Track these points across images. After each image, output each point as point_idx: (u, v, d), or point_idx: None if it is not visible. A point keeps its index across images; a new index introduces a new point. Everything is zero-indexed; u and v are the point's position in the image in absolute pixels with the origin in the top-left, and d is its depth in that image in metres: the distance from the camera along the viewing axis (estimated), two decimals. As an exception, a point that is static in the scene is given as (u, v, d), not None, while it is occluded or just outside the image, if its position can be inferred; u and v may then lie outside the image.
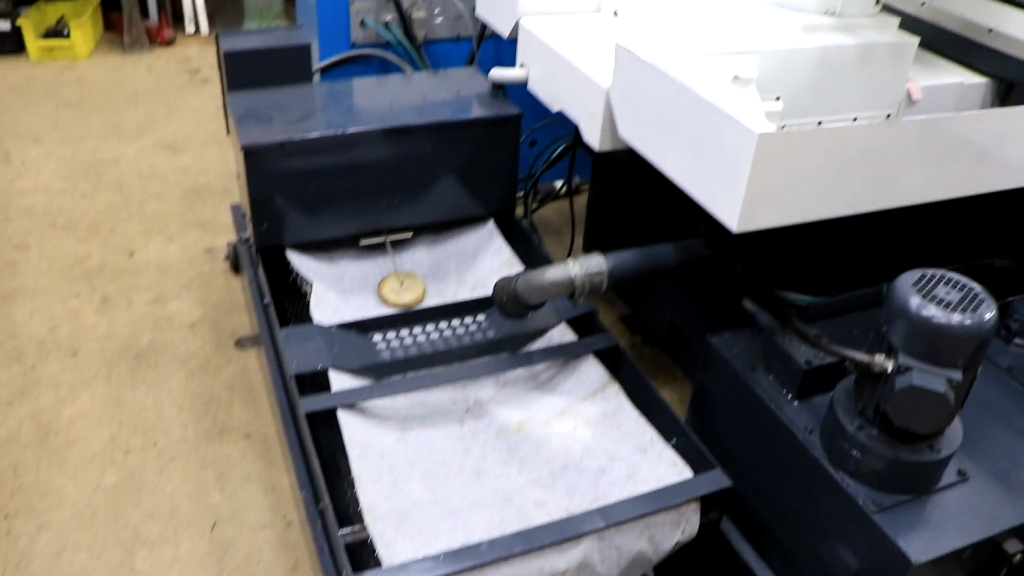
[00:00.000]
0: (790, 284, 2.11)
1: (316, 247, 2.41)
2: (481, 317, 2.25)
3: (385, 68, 3.02)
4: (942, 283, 1.60)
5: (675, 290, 2.55)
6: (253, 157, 2.21)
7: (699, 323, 2.42)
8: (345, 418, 1.86)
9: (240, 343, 2.82)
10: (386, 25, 2.95)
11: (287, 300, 2.44)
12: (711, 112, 1.60)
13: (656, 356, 2.83)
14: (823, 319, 2.10)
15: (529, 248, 2.44)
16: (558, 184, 3.38)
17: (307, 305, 2.22)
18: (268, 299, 2.25)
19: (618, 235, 2.78)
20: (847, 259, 2.17)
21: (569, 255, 3.12)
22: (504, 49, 3.01)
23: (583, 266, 1.87)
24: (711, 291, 2.36)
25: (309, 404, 1.87)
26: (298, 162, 2.24)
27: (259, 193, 2.27)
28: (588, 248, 2.94)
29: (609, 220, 2.82)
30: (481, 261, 2.44)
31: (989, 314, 1.55)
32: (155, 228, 3.44)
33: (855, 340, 1.88)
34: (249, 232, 2.41)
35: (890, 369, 1.58)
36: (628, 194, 2.70)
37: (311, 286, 2.26)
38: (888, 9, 2.44)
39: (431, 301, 2.36)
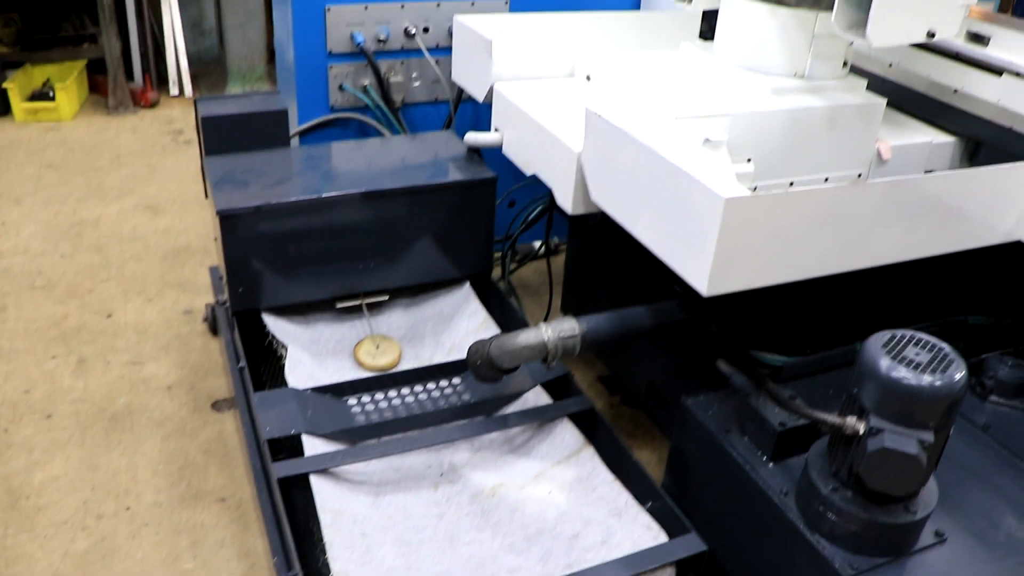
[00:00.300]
0: (766, 344, 2.12)
1: (292, 310, 2.41)
2: (457, 380, 2.24)
3: (364, 132, 3.05)
4: (911, 344, 1.61)
5: (653, 351, 2.55)
6: (229, 221, 2.21)
7: (676, 384, 2.42)
8: (318, 483, 1.85)
9: (217, 406, 2.80)
10: (364, 89, 2.99)
11: (263, 363, 2.43)
12: (679, 176, 1.61)
13: (635, 417, 2.83)
14: (799, 379, 2.10)
15: (505, 310, 2.45)
16: (537, 244, 3.40)
17: (283, 368, 2.21)
18: (243, 362, 2.24)
19: (596, 296, 2.79)
20: (823, 318, 2.17)
21: (547, 316, 3.13)
22: (482, 112, 3.04)
23: (556, 330, 1.88)
24: (688, 352, 2.36)
25: (281, 469, 1.85)
26: (274, 226, 2.25)
27: (235, 257, 2.27)
28: (566, 309, 2.94)
29: (587, 281, 2.84)
30: (457, 324, 2.44)
31: (959, 374, 1.55)
32: (134, 289, 3.43)
33: (831, 400, 1.88)
34: (226, 295, 2.41)
35: (862, 431, 1.58)
36: (604, 255, 2.72)
37: (286, 349, 2.25)
38: (856, 71, 2.49)
39: (407, 364, 2.36)
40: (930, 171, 2.40)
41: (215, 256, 3.60)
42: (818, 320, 2.17)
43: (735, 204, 1.52)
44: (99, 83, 5.54)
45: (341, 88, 2.99)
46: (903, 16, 1.92)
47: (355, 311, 2.47)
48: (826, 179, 2.23)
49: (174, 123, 5.22)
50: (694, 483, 2.02)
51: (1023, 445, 2.06)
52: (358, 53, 2.94)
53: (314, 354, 2.34)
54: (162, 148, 4.83)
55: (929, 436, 1.54)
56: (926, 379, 1.53)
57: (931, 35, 1.98)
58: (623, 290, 2.55)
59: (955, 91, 2.39)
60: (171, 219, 4.00)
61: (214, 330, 3.09)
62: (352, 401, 2.16)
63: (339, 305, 2.44)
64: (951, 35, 2.03)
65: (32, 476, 2.51)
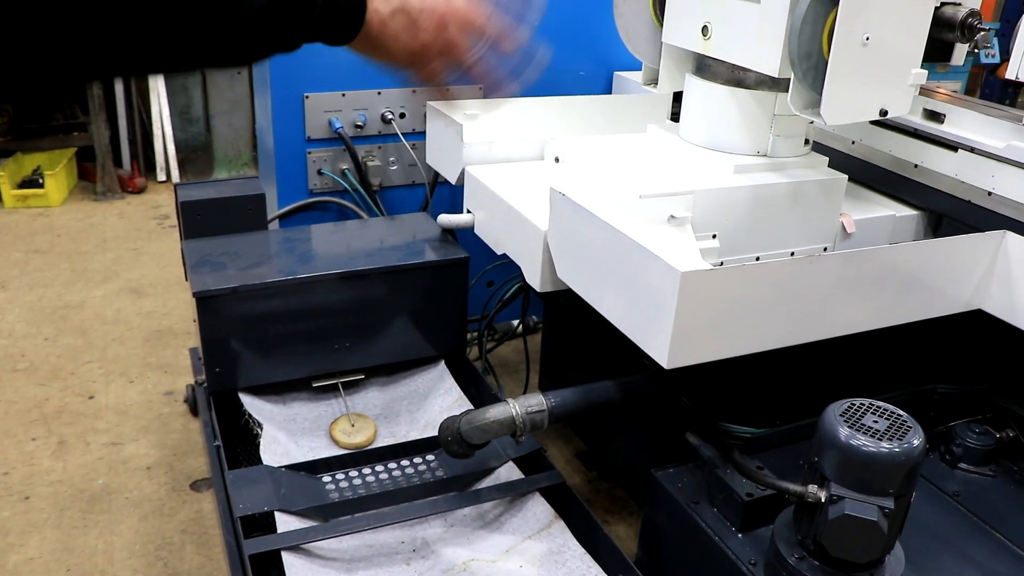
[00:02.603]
0: (736, 416, 2.14)
1: (269, 389, 2.43)
2: (431, 457, 2.26)
3: (343, 215, 3.11)
4: (869, 412, 1.65)
5: (627, 425, 2.57)
6: (206, 302, 2.25)
7: (650, 457, 2.44)
8: (290, 560, 1.85)
9: (196, 486, 2.81)
10: (343, 173, 3.06)
11: (240, 442, 2.45)
12: (637, 252, 1.66)
13: (612, 491, 2.83)
14: (769, 450, 2.13)
15: (480, 388, 2.48)
16: (515, 323, 3.44)
17: (259, 447, 2.23)
18: (218, 441, 2.25)
19: (572, 372, 2.82)
20: (793, 388, 2.21)
21: (525, 393, 3.16)
22: (458, 194, 3.12)
23: (523, 405, 1.91)
24: (660, 425, 2.39)
25: (252, 546, 1.86)
26: (251, 307, 2.29)
27: (212, 337, 2.31)
28: (544, 386, 2.97)
29: (563, 357, 2.87)
30: (432, 402, 2.47)
31: (917, 440, 1.59)
32: (116, 371, 3.45)
33: (799, 470, 1.90)
34: (204, 375, 2.43)
35: (823, 499, 1.60)
36: (578, 332, 2.76)
37: (262, 428, 2.27)
38: (820, 148, 2.58)
39: (382, 442, 2.38)
40: (895, 243, 2.47)
41: (196, 338, 3.63)
42: (788, 391, 2.21)
43: (691, 278, 1.57)
44: (88, 170, 5.64)
45: (320, 172, 3.06)
46: (855, 96, 2.00)
47: (331, 390, 2.50)
48: (792, 253, 2.29)
49: (161, 208, 5.29)
50: (666, 555, 2.03)
51: (992, 512, 2.08)
52: (336, 139, 3.02)
53: (290, 432, 2.36)
54: (148, 233, 4.90)
55: (889, 502, 1.57)
56: (884, 446, 1.56)
57: (884, 113, 2.06)
58: (597, 365, 2.58)
59: (915, 166, 2.46)
60: (154, 302, 4.04)
61: (194, 411, 3.11)
62: (327, 478, 2.18)
63: (315, 384, 2.47)
64: (903, 113, 2.11)
65: (7, 559, 2.49)
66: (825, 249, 2.33)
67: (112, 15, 0.93)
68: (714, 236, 2.14)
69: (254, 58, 1.17)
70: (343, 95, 3.01)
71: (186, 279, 2.47)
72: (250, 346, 2.35)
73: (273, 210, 3.04)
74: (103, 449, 2.98)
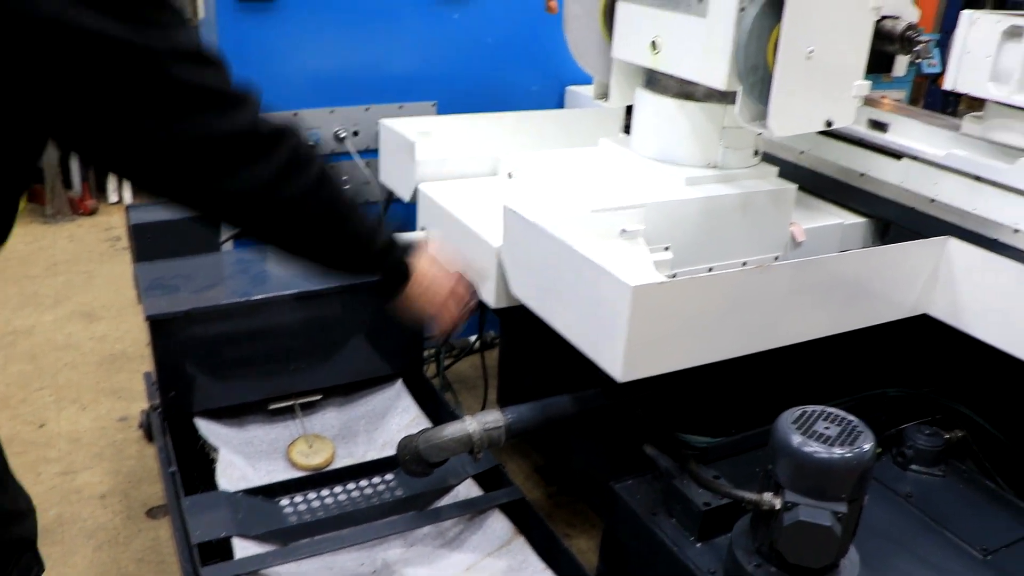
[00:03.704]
0: (692, 426, 2.16)
1: (225, 413, 2.41)
2: (390, 476, 2.26)
3: (297, 233, 3.10)
4: (821, 419, 1.67)
5: (585, 438, 2.58)
6: (159, 326, 2.23)
7: (609, 469, 2.45)
8: (248, 587, 1.83)
9: (152, 513, 2.77)
10: (296, 192, 3.04)
11: (197, 467, 2.42)
12: (589, 267, 1.68)
13: (573, 505, 2.84)
14: (725, 459, 2.15)
15: (438, 406, 2.48)
16: (472, 339, 3.44)
17: (215, 472, 2.21)
18: (174, 467, 2.23)
19: (530, 386, 2.81)
20: (748, 397, 2.23)
21: (483, 409, 3.16)
22: (413, 211, 3.12)
23: (480, 422, 1.91)
24: (617, 437, 2.40)
25: (210, 574, 1.84)
26: (204, 330, 2.27)
27: (166, 361, 2.29)
28: (503, 401, 2.98)
29: (520, 372, 2.88)
30: (390, 421, 2.46)
31: (868, 445, 1.62)
32: (68, 398, 3.40)
33: (756, 478, 1.92)
34: (159, 400, 2.41)
35: (778, 506, 1.62)
36: (534, 346, 2.76)
37: (217, 452, 2.25)
38: (769, 159, 2.61)
39: (341, 462, 2.36)
40: (844, 251, 2.51)
41: (151, 362, 3.58)
42: (744, 399, 2.23)
43: (643, 291, 1.59)
44: (37, 192, 5.54)
45: (273, 191, 3.04)
46: (801, 108, 2.04)
47: (288, 411, 2.48)
48: (744, 263, 2.32)
49: (113, 230, 5.23)
50: (627, 567, 2.04)
51: (945, 512, 2.12)
52: (289, 157, 3.00)
53: (247, 456, 2.34)
54: (99, 255, 4.83)
55: (843, 507, 1.59)
56: (836, 452, 1.59)
57: (829, 124, 2.11)
58: (555, 379, 2.59)
59: (861, 175, 2.51)
60: (107, 326, 3.99)
61: (150, 436, 3.06)
62: (285, 502, 2.16)
63: (272, 407, 2.45)
64: (848, 124, 2.16)
65: (-43, 596, 2.44)
66: (776, 258, 2.37)
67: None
68: (667, 248, 2.16)
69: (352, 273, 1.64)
70: (295, 114, 3.00)
71: (139, 302, 2.44)
72: (205, 369, 2.32)
73: (226, 232, 3.02)
74: (55, 479, 2.93)
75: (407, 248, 1.62)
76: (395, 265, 1.60)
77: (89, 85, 1.05)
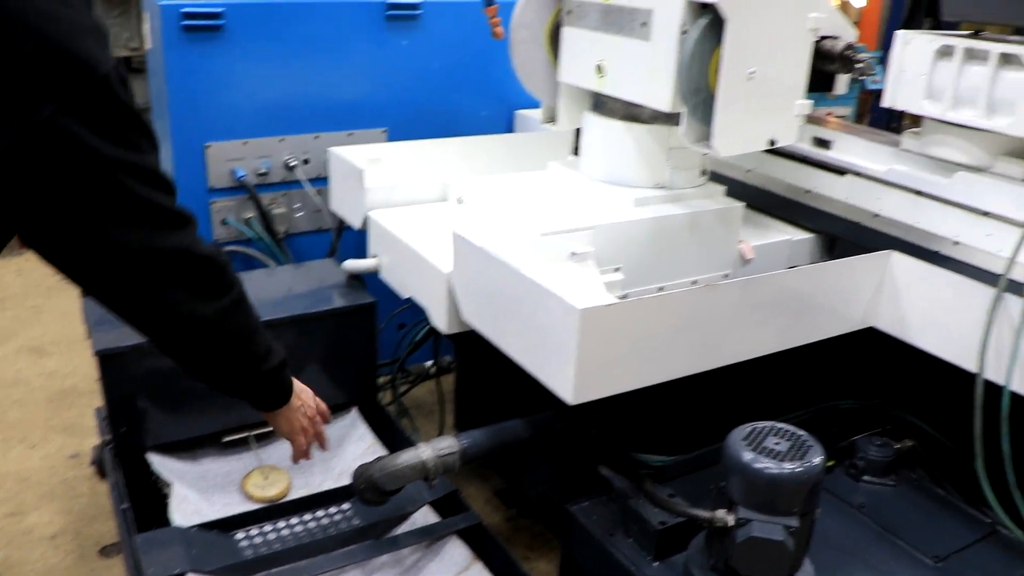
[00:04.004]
0: (648, 444, 2.18)
1: (178, 447, 2.38)
2: (346, 506, 2.24)
3: (249, 264, 3.08)
4: (771, 434, 1.69)
5: (542, 460, 2.58)
6: (108, 360, 2.20)
7: (566, 491, 2.45)
8: (204, 623, 1.81)
9: (105, 551, 2.72)
10: (247, 222, 3.03)
11: (151, 503, 2.38)
12: (537, 291, 1.69)
13: (533, 527, 2.84)
14: (681, 477, 2.16)
15: (394, 433, 2.47)
16: (428, 364, 3.44)
17: (168, 507, 2.17)
18: (126, 504, 2.19)
19: (486, 410, 2.81)
20: (702, 414, 2.25)
21: (440, 434, 3.15)
22: (365, 238, 3.12)
23: (434, 448, 1.91)
24: (573, 459, 2.41)
25: (164, 612, 1.81)
26: (155, 363, 2.24)
27: (116, 396, 2.25)
28: (459, 425, 2.97)
29: (476, 396, 2.87)
30: (345, 449, 2.45)
31: (817, 459, 1.64)
32: (16, 437, 3.33)
33: (711, 495, 1.94)
34: (110, 435, 2.37)
35: (731, 523, 1.63)
36: (489, 370, 2.77)
37: (171, 487, 2.22)
38: (717, 178, 2.65)
39: (297, 493, 2.34)
40: (793, 267, 2.55)
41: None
42: (698, 416, 2.25)
43: (591, 314, 1.60)
44: (-17, 227, 5.46)
45: (224, 222, 3.03)
46: (744, 128, 2.07)
47: (242, 443, 2.46)
48: (694, 281, 2.34)
49: (62, 263, 5.14)
50: (586, 589, 2.04)
51: (897, 521, 2.15)
52: (239, 187, 2.99)
53: (201, 490, 2.31)
54: (48, 289, 4.75)
55: (794, 521, 1.61)
56: (787, 467, 1.61)
57: (773, 143, 2.14)
58: (510, 402, 2.59)
59: (807, 191, 2.56)
60: (57, 361, 3.92)
61: (102, 473, 3.01)
62: (240, 535, 2.13)
63: (225, 439, 2.43)
64: (791, 142, 2.20)
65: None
66: (726, 276, 2.39)
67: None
68: (617, 269, 2.18)
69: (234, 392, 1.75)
70: (244, 143, 2.99)
71: (88, 337, 2.41)
72: (157, 403, 2.30)
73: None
74: (2, 520, 2.87)
75: (290, 375, 1.78)
76: (280, 386, 1.75)
77: (57, 183, 1.20)
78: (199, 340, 1.51)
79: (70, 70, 1.15)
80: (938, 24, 2.28)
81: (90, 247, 1.29)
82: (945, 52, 2.14)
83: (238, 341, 1.57)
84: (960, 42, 2.10)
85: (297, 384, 1.82)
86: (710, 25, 1.97)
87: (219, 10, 2.82)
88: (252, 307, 1.58)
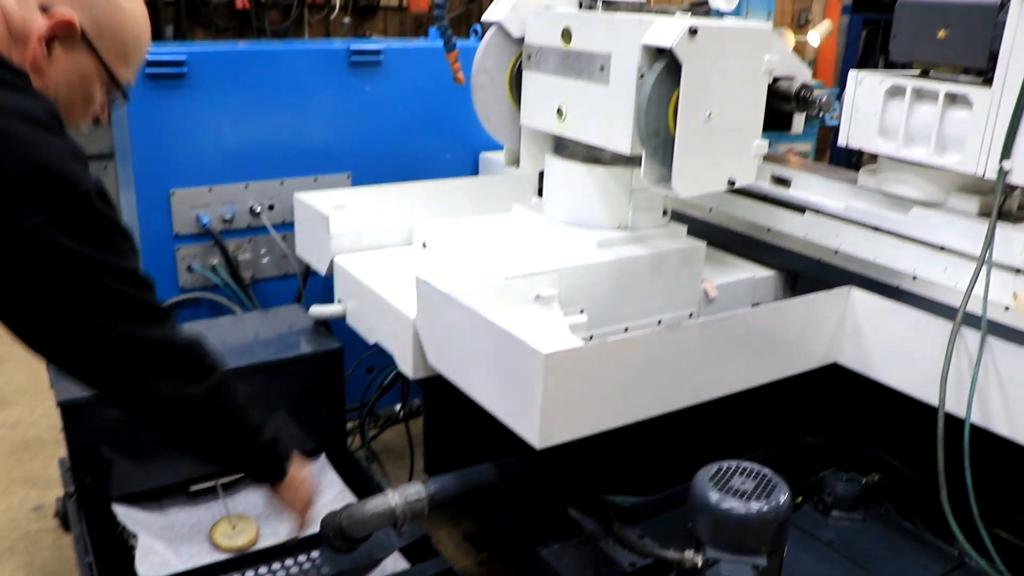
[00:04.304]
0: (618, 485, 2.18)
1: (144, 497, 2.35)
2: (315, 554, 2.22)
3: (215, 310, 3.07)
4: (737, 474, 1.70)
5: (511, 503, 2.58)
6: (72, 411, 2.18)
7: (537, 534, 2.44)
8: None
9: (70, 607, 2.67)
10: (213, 268, 3.02)
11: (116, 556, 2.35)
12: (501, 335, 1.70)
13: (505, 572, 2.82)
14: (651, 517, 2.17)
15: (363, 479, 2.45)
16: (397, 407, 3.43)
17: (134, 560, 2.14)
18: (90, 557, 2.16)
19: (455, 453, 2.80)
20: (671, 454, 2.26)
21: (410, 479, 3.13)
22: (331, 283, 3.12)
23: (402, 495, 1.90)
24: (543, 501, 2.40)
25: (129, 669, 1.78)
26: (119, 413, 2.21)
27: (80, 447, 2.23)
28: (429, 470, 2.96)
29: (445, 439, 2.86)
30: (315, 496, 2.42)
31: (784, 497, 1.65)
32: (-22, 490, 3.27)
33: (681, 534, 1.94)
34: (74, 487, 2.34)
35: (700, 564, 1.64)
36: (457, 413, 2.76)
37: (136, 539, 2.18)
38: (679, 217, 2.68)
39: (265, 542, 2.31)
40: (756, 304, 2.58)
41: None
42: (665, 456, 2.25)
43: (555, 358, 1.61)
44: (-55, 276, 5.39)
45: (190, 269, 3.02)
46: (703, 169, 2.11)
47: (210, 492, 2.43)
48: (659, 321, 2.36)
49: (26, 311, 5.08)
50: (558, 633, 2.03)
51: (866, 555, 2.17)
52: (205, 234, 2.99)
53: (168, 540, 2.27)
54: (10, 339, 4.67)
55: (762, 560, 1.62)
56: (754, 506, 1.62)
57: (732, 183, 2.18)
58: (479, 445, 2.59)
59: (768, 229, 2.59)
60: (20, 411, 3.86)
61: (66, 525, 2.96)
62: (207, 587, 2.10)
63: (192, 488, 2.40)
64: (750, 182, 2.23)
65: None
66: (691, 315, 2.42)
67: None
68: (582, 311, 2.19)
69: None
70: (210, 190, 2.99)
71: (52, 387, 2.38)
72: (122, 453, 2.27)
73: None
74: (-36, 577, 2.82)
75: (287, 450, 1.82)
76: (276, 461, 1.78)
77: (43, 283, 1.31)
78: (187, 421, 1.57)
79: (55, 187, 1.28)
80: (890, 62, 2.34)
81: (75, 338, 1.39)
82: (896, 91, 2.19)
83: (226, 420, 1.62)
84: (910, 82, 2.15)
85: (299, 460, 1.86)
86: (667, 69, 2.01)
87: (182, 58, 2.83)
88: (237, 389, 1.64)
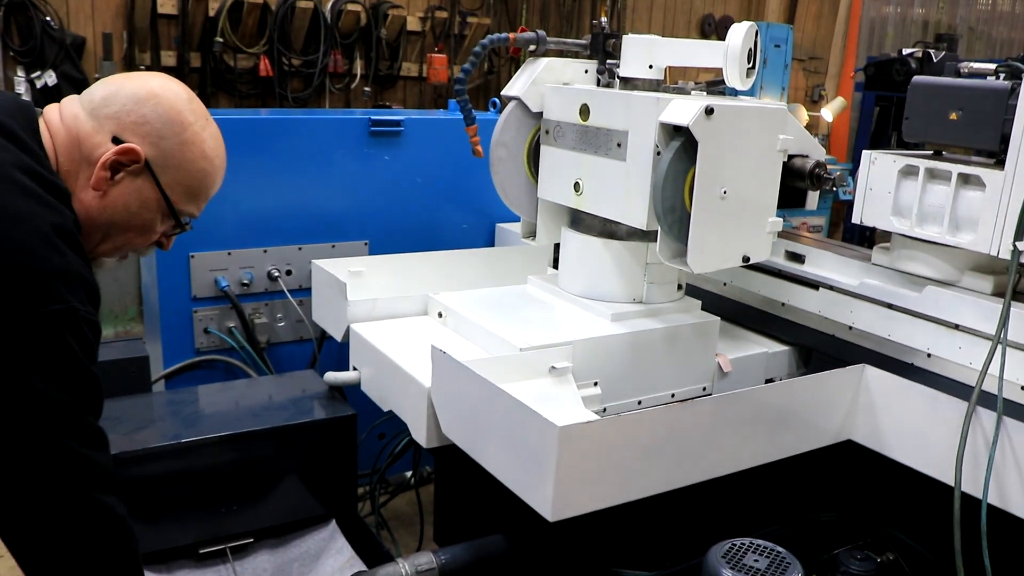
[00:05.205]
0: (629, 559, 2.16)
1: (152, 558, 2.34)
2: (323, 622, 2.20)
3: (230, 372, 3.09)
4: (750, 551, 1.70)
5: (524, 574, 2.56)
6: (84, 473, 2.18)
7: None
8: None
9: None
10: (230, 331, 3.05)
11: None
12: (516, 407, 1.71)
13: (514, 644, 2.78)
14: (662, 592, 2.14)
15: (373, 546, 2.44)
16: (408, 474, 3.42)
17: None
18: (97, 623, 2.14)
19: (467, 522, 2.79)
20: (684, 528, 2.24)
21: (419, 547, 3.11)
22: (346, 349, 3.14)
23: (413, 564, 1.90)
24: (556, 573, 2.38)
25: None
26: (133, 473, 2.22)
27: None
28: (439, 538, 2.94)
29: (457, 508, 2.85)
30: (324, 563, 2.41)
31: (797, 575, 1.64)
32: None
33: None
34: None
35: (712, 643, 1.62)
36: (470, 482, 2.75)
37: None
38: (692, 291, 2.69)
39: (273, 608, 2.30)
40: (770, 379, 2.58)
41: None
42: (679, 530, 2.24)
43: (569, 432, 1.61)
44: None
45: (207, 331, 3.04)
46: (718, 245, 2.13)
47: (219, 555, 2.41)
48: (672, 395, 2.37)
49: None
50: None
51: (880, 637, 2.13)
52: (223, 297, 3.02)
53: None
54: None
55: (775, 641, 1.60)
56: (766, 587, 1.61)
57: (746, 259, 2.20)
58: (491, 515, 2.58)
59: (783, 304, 2.61)
60: None
61: (73, 587, 2.94)
62: (214, 655, 2.09)
63: (201, 551, 2.39)
64: (764, 258, 2.26)
65: None
66: (704, 388, 2.42)
67: None
68: (596, 383, 2.20)
69: None
70: (229, 253, 3.03)
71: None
72: (132, 513, 2.25)
73: (158, 370, 2.99)
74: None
75: None
76: None
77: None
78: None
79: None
80: (903, 142, 2.38)
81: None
82: (909, 171, 2.22)
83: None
84: (922, 162, 2.19)
85: None
86: (683, 146, 2.05)
87: (206, 125, 2.88)
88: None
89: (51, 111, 1.49)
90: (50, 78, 4.96)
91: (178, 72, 5.39)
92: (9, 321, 1.27)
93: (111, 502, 1.47)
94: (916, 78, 2.24)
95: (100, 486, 1.45)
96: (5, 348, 1.27)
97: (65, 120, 1.48)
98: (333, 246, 3.16)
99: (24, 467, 1.34)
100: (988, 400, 1.93)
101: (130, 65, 5.24)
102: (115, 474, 1.50)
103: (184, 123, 1.54)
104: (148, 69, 5.21)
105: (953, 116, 2.12)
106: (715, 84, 2.41)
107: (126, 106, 1.49)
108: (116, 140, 1.48)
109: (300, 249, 3.12)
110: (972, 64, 2.29)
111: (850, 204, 5.99)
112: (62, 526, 1.39)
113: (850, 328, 2.41)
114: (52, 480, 1.37)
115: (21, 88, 4.94)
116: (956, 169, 2.11)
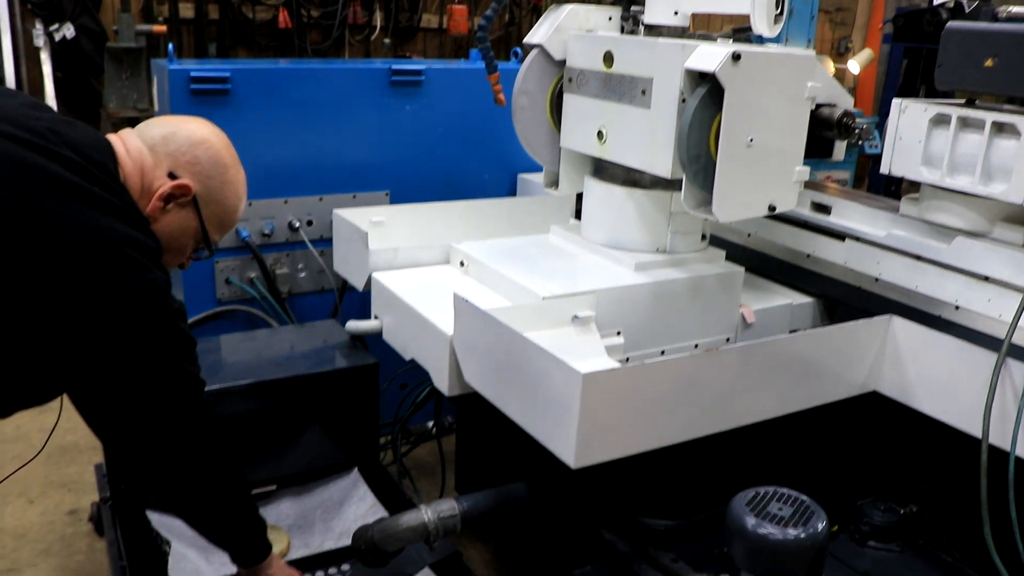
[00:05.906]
0: (651, 508, 2.16)
1: (176, 506, 2.37)
2: (346, 567, 2.22)
3: (252, 323, 3.09)
4: (774, 500, 1.69)
5: (544, 523, 2.57)
6: (110, 420, 2.20)
7: (569, 555, 2.43)
8: None
9: (101, 612, 2.69)
10: (251, 282, 3.05)
11: (149, 562, 2.36)
12: (539, 355, 1.70)
13: (534, 591, 2.80)
14: (685, 541, 2.15)
15: (395, 494, 2.46)
16: (429, 424, 3.43)
17: (167, 565, 2.16)
18: (124, 562, 2.19)
19: (487, 471, 2.81)
20: (707, 478, 2.24)
21: (441, 496, 3.13)
22: (367, 299, 3.14)
23: (435, 510, 1.90)
24: (576, 522, 2.39)
25: (160, 677, 1.79)
26: (156, 422, 2.24)
27: (116, 454, 2.25)
28: (460, 487, 2.96)
29: (478, 457, 2.86)
30: (346, 510, 2.43)
31: (821, 524, 1.64)
32: (14, 492, 3.31)
33: (716, 559, 1.92)
34: (109, 492, 2.37)
35: (735, 590, 1.62)
36: (491, 431, 2.76)
37: (170, 546, 2.20)
38: (717, 242, 2.67)
39: (296, 553, 2.32)
40: (794, 330, 2.56)
41: (102, 453, 3.51)
42: (701, 480, 2.24)
43: (593, 379, 1.60)
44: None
45: (228, 281, 3.05)
46: (744, 194, 2.10)
47: (243, 503, 2.44)
48: (696, 345, 2.35)
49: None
50: (587, 656, 2.01)
51: (903, 587, 2.13)
52: (244, 247, 3.02)
53: (200, 549, 2.28)
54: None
55: (799, 588, 1.60)
56: (791, 532, 1.61)
57: (772, 209, 2.17)
58: (512, 464, 2.58)
59: (808, 255, 2.58)
60: (58, 416, 3.90)
61: (100, 530, 2.99)
62: (238, 597, 2.11)
63: (225, 498, 2.41)
64: (790, 208, 2.22)
65: None
66: (728, 340, 2.40)
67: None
68: (619, 333, 2.19)
69: None
70: (250, 204, 2.99)
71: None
72: (157, 462, 2.29)
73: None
74: (-1, 577, 2.85)
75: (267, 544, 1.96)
76: (261, 543, 1.94)
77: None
78: (202, 470, 1.81)
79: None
80: (933, 90, 2.33)
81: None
82: (940, 120, 2.18)
83: (234, 483, 1.85)
84: (955, 111, 2.14)
85: (277, 560, 2.00)
86: (709, 94, 2.01)
87: (226, 75, 2.87)
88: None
89: (117, 144, 1.67)
90: (68, 31, 4.91)
91: (196, 24, 5.35)
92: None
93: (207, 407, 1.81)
94: (951, 23, 2.19)
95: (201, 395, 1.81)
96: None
97: (131, 154, 1.67)
98: (354, 196, 3.15)
99: (154, 384, 1.68)
100: (1018, 352, 1.90)
101: (148, 18, 5.19)
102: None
103: (226, 166, 1.80)
104: (166, 21, 5.17)
105: (989, 63, 2.07)
106: (741, 31, 2.36)
107: (182, 147, 1.73)
108: (171, 175, 1.71)
109: (321, 200, 3.10)
110: (1011, 8, 2.22)
111: (876, 158, 5.92)
112: (184, 423, 1.75)
113: (876, 280, 2.38)
114: (179, 392, 1.73)
115: (40, 41, 4.90)
116: (990, 117, 2.06)
